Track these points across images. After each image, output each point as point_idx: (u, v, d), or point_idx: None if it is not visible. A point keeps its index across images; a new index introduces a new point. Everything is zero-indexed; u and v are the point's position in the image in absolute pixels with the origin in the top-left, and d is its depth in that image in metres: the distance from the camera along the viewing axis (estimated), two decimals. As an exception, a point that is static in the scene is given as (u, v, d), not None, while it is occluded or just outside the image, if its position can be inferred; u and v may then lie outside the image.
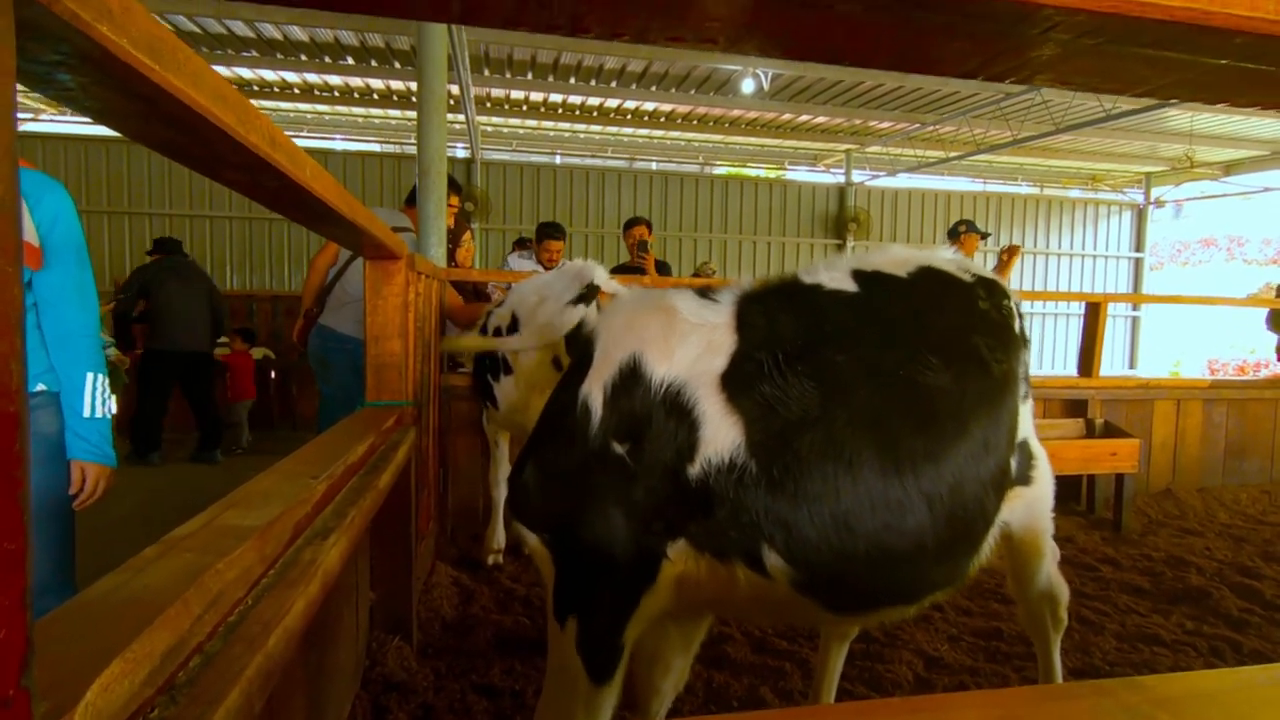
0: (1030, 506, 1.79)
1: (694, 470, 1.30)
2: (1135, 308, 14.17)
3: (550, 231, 5.11)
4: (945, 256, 1.68)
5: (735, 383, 1.33)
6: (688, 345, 1.36)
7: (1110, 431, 4.36)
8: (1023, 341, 1.67)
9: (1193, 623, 2.90)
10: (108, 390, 1.97)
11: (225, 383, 6.76)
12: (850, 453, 1.31)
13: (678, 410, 1.32)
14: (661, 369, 1.34)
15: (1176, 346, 15.17)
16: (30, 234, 1.82)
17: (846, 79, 9.09)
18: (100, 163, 10.23)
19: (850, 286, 1.47)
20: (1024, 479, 1.75)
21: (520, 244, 7.34)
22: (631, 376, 1.35)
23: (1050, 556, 1.93)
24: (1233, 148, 11.91)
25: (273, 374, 7.87)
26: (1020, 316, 1.72)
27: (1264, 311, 6.30)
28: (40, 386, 1.87)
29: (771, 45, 0.52)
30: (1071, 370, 5.50)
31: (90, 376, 1.92)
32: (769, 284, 1.48)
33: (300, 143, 11.72)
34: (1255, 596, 3.13)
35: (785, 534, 1.30)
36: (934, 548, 1.37)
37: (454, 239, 4.49)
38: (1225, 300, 7.26)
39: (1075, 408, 4.73)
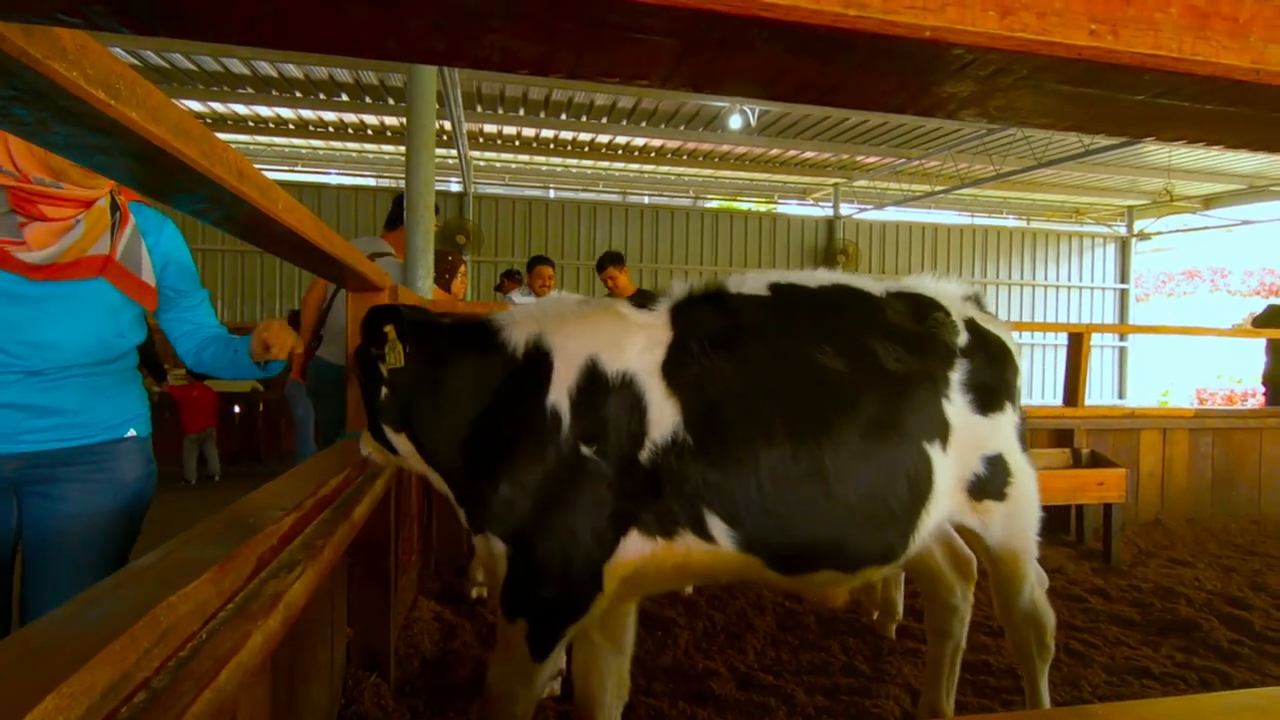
0: (1007, 523, 1.83)
1: (644, 455, 1.49)
2: (1122, 339, 14.28)
3: (542, 259, 5.90)
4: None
5: (672, 370, 1.54)
6: (635, 342, 1.55)
7: (1097, 461, 4.36)
8: (956, 351, 1.77)
9: (1183, 655, 2.87)
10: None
11: (177, 416, 6.58)
12: (764, 418, 1.54)
13: (630, 399, 1.51)
14: (616, 365, 1.53)
15: (1165, 377, 15.27)
16: (148, 274, 1.82)
17: (833, 114, 9.26)
18: (94, 196, 10.27)
19: (766, 293, 1.70)
20: (998, 494, 1.80)
21: (510, 276, 7.38)
22: (594, 378, 1.52)
23: (1033, 580, 1.93)
24: (1211, 181, 12.16)
25: (261, 406, 7.83)
26: (966, 333, 1.82)
27: (1249, 342, 6.36)
28: (130, 432, 1.83)
29: (702, 82, 0.53)
30: (1058, 400, 5.54)
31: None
32: (699, 290, 1.71)
33: (295, 177, 11.68)
34: (1245, 628, 3.11)
35: (722, 497, 1.50)
36: (847, 509, 1.55)
37: (449, 270, 4.51)
38: (1204, 330, 7.33)
39: (1061, 437, 4.74)
